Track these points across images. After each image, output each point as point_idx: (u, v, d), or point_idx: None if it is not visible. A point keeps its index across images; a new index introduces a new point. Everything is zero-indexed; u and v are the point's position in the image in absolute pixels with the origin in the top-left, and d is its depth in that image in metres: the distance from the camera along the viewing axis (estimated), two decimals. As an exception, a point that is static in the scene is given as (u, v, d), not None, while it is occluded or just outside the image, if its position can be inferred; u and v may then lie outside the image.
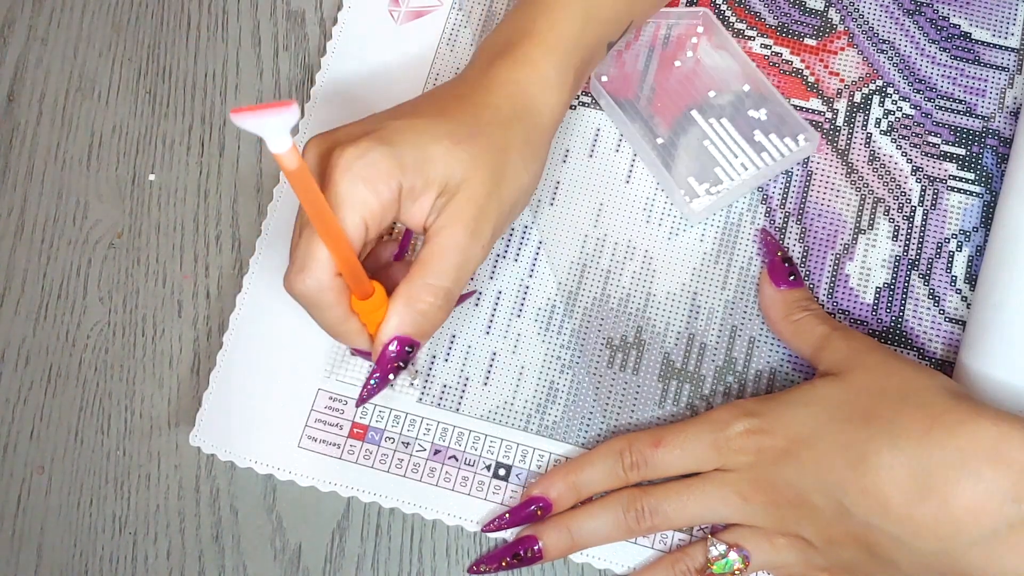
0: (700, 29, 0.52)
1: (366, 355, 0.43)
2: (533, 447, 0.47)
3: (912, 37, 0.52)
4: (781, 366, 0.47)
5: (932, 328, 0.47)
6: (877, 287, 0.48)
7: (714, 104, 0.50)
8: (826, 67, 0.52)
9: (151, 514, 0.47)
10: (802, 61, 0.52)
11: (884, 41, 0.52)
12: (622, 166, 0.51)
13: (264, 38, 0.55)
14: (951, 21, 0.52)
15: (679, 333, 0.48)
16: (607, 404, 0.47)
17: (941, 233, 0.49)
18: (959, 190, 0.49)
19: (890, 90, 0.51)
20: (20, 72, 0.55)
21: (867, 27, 0.52)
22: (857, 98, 0.51)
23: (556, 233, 0.50)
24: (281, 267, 0.50)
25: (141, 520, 0.47)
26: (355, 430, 0.47)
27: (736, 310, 0.48)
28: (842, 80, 0.51)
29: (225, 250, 0.51)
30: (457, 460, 0.47)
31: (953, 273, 0.48)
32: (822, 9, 0.53)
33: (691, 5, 0.53)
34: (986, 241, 0.47)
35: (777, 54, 0.52)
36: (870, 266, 0.48)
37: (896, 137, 0.50)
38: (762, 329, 0.48)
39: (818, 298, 0.48)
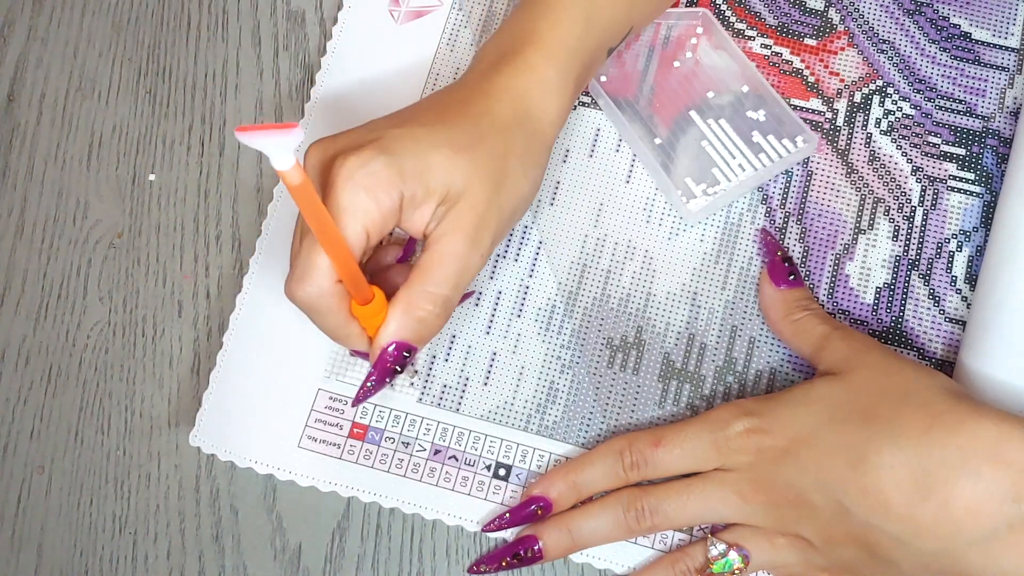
0: (699, 30, 0.52)
1: (365, 356, 0.43)
2: (533, 447, 0.47)
3: (912, 37, 0.52)
4: (781, 366, 0.47)
5: (932, 328, 0.47)
6: (877, 287, 0.48)
7: (713, 105, 0.50)
8: (826, 67, 0.52)
9: (151, 514, 0.47)
10: (802, 61, 0.52)
11: (884, 41, 0.52)
12: (622, 166, 0.51)
13: (264, 38, 0.55)
14: (951, 21, 0.52)
15: (679, 333, 0.48)
16: (607, 404, 0.47)
17: (941, 233, 0.49)
18: (959, 190, 0.49)
19: (890, 90, 0.51)
20: (20, 72, 0.55)
21: (867, 27, 0.52)
22: (857, 98, 0.51)
23: (556, 233, 0.50)
24: (281, 267, 0.50)
25: (141, 520, 0.47)
26: (355, 430, 0.47)
27: (736, 310, 0.48)
28: (842, 80, 0.51)
29: (225, 250, 0.51)
30: (457, 460, 0.47)
31: (953, 273, 0.48)
32: (822, 9, 0.53)
33: (691, 5, 0.53)
34: (986, 241, 0.47)
35: (777, 54, 0.52)
36: (870, 266, 0.48)
37: (896, 137, 0.50)
38: (762, 329, 0.48)
39: (818, 298, 0.48)
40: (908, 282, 0.48)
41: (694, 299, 0.48)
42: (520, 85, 0.43)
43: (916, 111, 0.51)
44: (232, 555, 0.47)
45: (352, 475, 0.47)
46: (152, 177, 0.53)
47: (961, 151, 0.50)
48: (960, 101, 0.51)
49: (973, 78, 0.51)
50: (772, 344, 0.48)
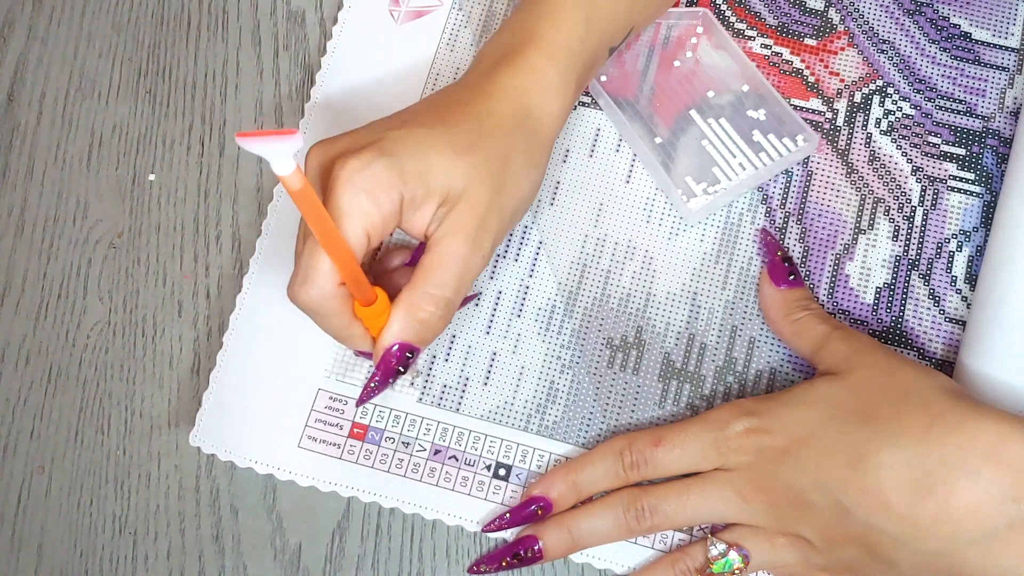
0: (700, 29, 0.52)
1: (369, 356, 0.43)
2: (533, 447, 0.47)
3: (912, 37, 0.52)
4: (781, 366, 0.47)
5: (932, 328, 0.47)
6: (877, 287, 0.48)
7: (713, 104, 0.50)
8: (826, 67, 0.52)
9: (151, 514, 0.47)
10: (802, 61, 0.52)
11: (884, 41, 0.52)
12: (622, 166, 0.51)
13: (264, 38, 0.55)
14: (951, 21, 0.52)
15: (679, 333, 0.48)
16: (607, 404, 0.47)
17: (941, 233, 0.49)
18: (959, 190, 0.49)
19: (890, 90, 0.51)
20: (20, 72, 0.55)
21: (867, 27, 0.52)
22: (857, 98, 0.51)
23: (556, 233, 0.50)
24: (282, 267, 0.50)
25: (141, 520, 0.47)
26: (355, 430, 0.47)
27: (736, 310, 0.48)
28: (842, 80, 0.51)
29: (225, 250, 0.51)
30: (457, 460, 0.47)
31: (953, 273, 0.48)
32: (822, 9, 0.53)
33: (691, 5, 0.53)
34: (986, 241, 0.47)
35: (777, 54, 0.52)
36: (870, 266, 0.48)
37: (896, 137, 0.50)
38: (762, 329, 0.48)
39: (818, 298, 0.48)
40: (908, 282, 0.48)
41: (694, 299, 0.48)
42: (521, 85, 0.43)
43: (916, 111, 0.51)
44: (232, 555, 0.47)
45: (352, 475, 0.47)
46: (152, 177, 0.53)
47: (961, 151, 0.50)
48: (960, 101, 0.51)
49: (973, 78, 0.51)
50: (772, 344, 0.48)
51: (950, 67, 0.51)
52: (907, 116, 0.50)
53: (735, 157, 0.49)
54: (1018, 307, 0.43)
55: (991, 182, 0.49)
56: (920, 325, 0.47)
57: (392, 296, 0.41)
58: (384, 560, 0.46)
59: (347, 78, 0.53)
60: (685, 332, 0.48)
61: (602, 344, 0.48)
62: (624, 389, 0.47)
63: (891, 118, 0.50)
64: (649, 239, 0.50)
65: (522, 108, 0.43)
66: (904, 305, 0.48)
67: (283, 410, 0.48)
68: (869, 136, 0.50)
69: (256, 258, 0.50)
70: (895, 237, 0.49)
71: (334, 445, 0.47)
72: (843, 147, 0.50)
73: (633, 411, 0.47)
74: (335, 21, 0.55)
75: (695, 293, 0.49)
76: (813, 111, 0.51)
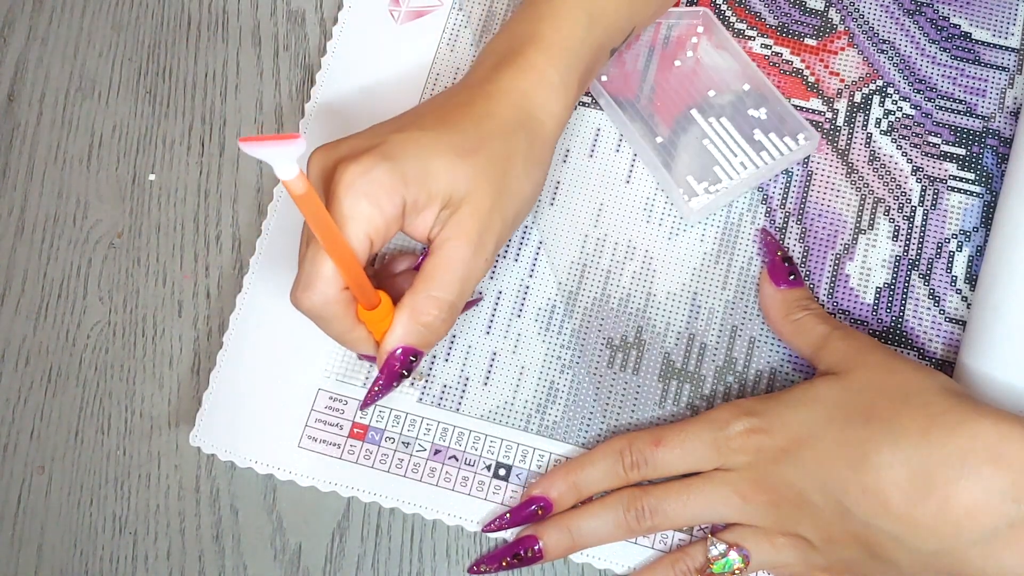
0: (700, 29, 0.52)
1: (373, 359, 0.43)
2: (533, 447, 0.47)
3: (912, 37, 0.52)
4: (781, 366, 0.47)
5: (932, 328, 0.47)
6: (877, 287, 0.48)
7: (714, 103, 0.50)
8: (826, 67, 0.52)
9: (151, 514, 0.47)
10: (802, 61, 0.52)
11: (884, 41, 0.52)
12: (622, 166, 0.51)
13: (264, 38, 0.55)
14: (951, 21, 0.52)
15: (679, 333, 0.48)
16: (607, 404, 0.47)
17: (941, 233, 0.49)
18: (959, 190, 0.49)
19: (890, 90, 0.51)
20: (20, 72, 0.55)
21: (867, 27, 0.52)
22: (857, 98, 0.51)
23: (556, 233, 0.50)
24: (281, 267, 0.50)
25: (141, 520, 0.47)
26: (355, 430, 0.47)
27: (736, 310, 0.48)
28: (842, 80, 0.51)
29: (225, 250, 0.51)
30: (457, 460, 0.47)
31: (953, 273, 0.48)
32: (822, 9, 0.53)
33: (691, 5, 0.53)
34: (986, 241, 0.47)
35: (777, 54, 0.52)
36: (870, 266, 0.48)
37: (896, 137, 0.50)
38: (762, 329, 0.48)
39: (818, 298, 0.48)
40: (908, 282, 0.48)
41: (694, 299, 0.48)
42: (522, 86, 0.43)
43: (916, 111, 0.51)
44: (232, 555, 0.47)
45: (352, 475, 0.47)
46: (152, 177, 0.53)
47: (961, 151, 0.50)
48: (960, 101, 0.51)
49: (973, 78, 0.51)
50: (772, 344, 0.48)
51: (950, 67, 0.51)
52: (907, 116, 0.50)
53: (736, 156, 0.49)
54: (1018, 307, 0.43)
55: (991, 182, 0.49)
56: (920, 325, 0.47)
57: (396, 300, 0.41)
58: (384, 560, 0.46)
59: (347, 78, 0.53)
60: (685, 332, 0.48)
61: (602, 344, 0.48)
62: (624, 389, 0.47)
63: (891, 118, 0.50)
64: (649, 239, 0.49)
65: (523, 109, 0.43)
66: (904, 305, 0.48)
67: (283, 410, 0.48)
68: (869, 136, 0.50)
69: (256, 258, 0.50)
70: (895, 237, 0.49)
71: (334, 445, 0.47)
72: (843, 147, 0.50)
73: (633, 411, 0.47)
74: (335, 21, 0.55)
75: (695, 293, 0.49)
76: (813, 111, 0.51)
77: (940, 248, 0.48)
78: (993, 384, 0.43)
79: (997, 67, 0.51)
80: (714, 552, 0.43)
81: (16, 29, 0.56)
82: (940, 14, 0.52)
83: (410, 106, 0.51)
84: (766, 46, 0.52)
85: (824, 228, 0.49)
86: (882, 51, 0.52)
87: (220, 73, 0.54)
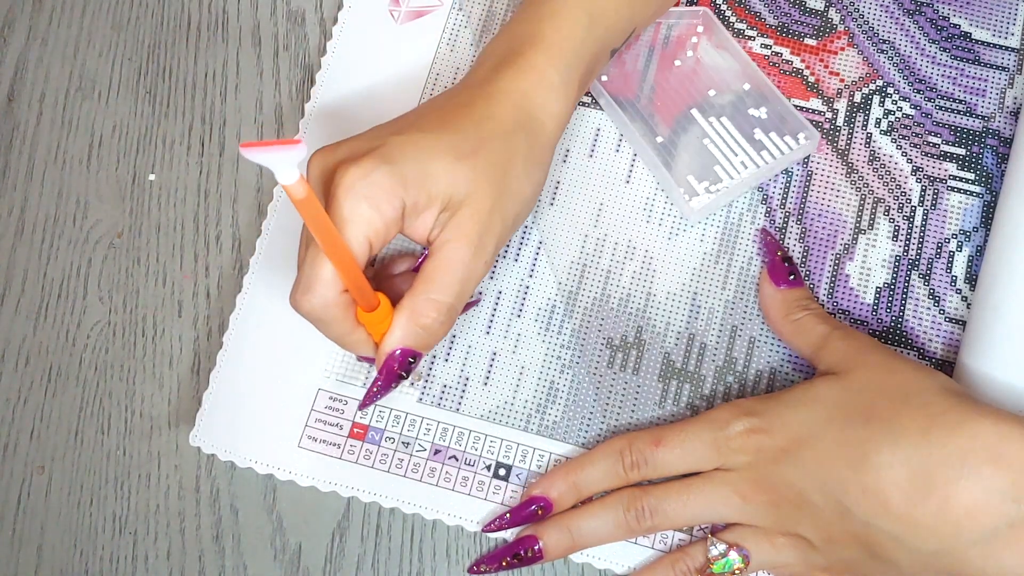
0: (700, 28, 0.52)
1: (372, 361, 0.43)
2: (533, 447, 0.47)
3: (912, 37, 0.52)
4: (781, 366, 0.47)
5: (932, 328, 0.47)
6: (877, 287, 0.48)
7: (714, 103, 0.50)
8: (826, 67, 0.52)
9: (151, 514, 0.47)
10: (802, 61, 0.52)
11: (884, 41, 0.52)
12: (622, 166, 0.51)
13: (264, 38, 0.55)
14: (951, 21, 0.52)
15: (679, 333, 0.48)
16: (607, 404, 0.47)
17: (941, 233, 0.49)
18: (959, 190, 0.49)
19: (890, 90, 0.51)
20: (20, 72, 0.55)
21: (867, 27, 0.52)
22: (857, 98, 0.51)
23: (556, 233, 0.50)
24: (281, 267, 0.50)
25: (141, 520, 0.47)
26: (355, 430, 0.47)
27: (736, 310, 0.48)
28: (842, 80, 0.51)
29: (225, 250, 0.51)
30: (457, 460, 0.47)
31: (953, 273, 0.48)
32: (822, 9, 0.53)
33: (691, 4, 0.53)
34: (986, 241, 0.47)
35: (777, 54, 0.52)
36: (870, 266, 0.48)
37: (896, 137, 0.50)
38: (762, 329, 0.48)
39: (818, 298, 0.48)
40: (908, 282, 0.48)
41: (694, 299, 0.48)
42: (522, 87, 0.43)
43: (916, 111, 0.50)
44: (232, 555, 0.47)
45: (352, 475, 0.47)
46: (152, 177, 0.53)
47: (961, 151, 0.50)
48: (960, 101, 0.51)
49: (973, 78, 0.51)
50: (772, 344, 0.48)
51: (950, 67, 0.51)
52: (907, 116, 0.50)
53: (737, 155, 0.49)
54: (1018, 307, 0.43)
55: (991, 182, 0.49)
56: (920, 325, 0.47)
57: (395, 301, 0.41)
58: (384, 560, 0.46)
59: (347, 78, 0.53)
60: (685, 332, 0.48)
61: (602, 344, 0.48)
62: (624, 389, 0.47)
63: (891, 118, 0.50)
64: (649, 239, 0.49)
65: (524, 110, 0.43)
66: (904, 305, 0.48)
67: (283, 410, 0.48)
68: (869, 136, 0.50)
69: (256, 258, 0.50)
70: (895, 237, 0.49)
71: (334, 445, 0.47)
72: (843, 147, 0.50)
73: (633, 411, 0.47)
74: (335, 21, 0.55)
75: (695, 293, 0.49)
76: (813, 111, 0.51)
77: (940, 248, 0.48)
78: (993, 384, 0.43)
79: (997, 67, 0.51)
80: (714, 552, 0.43)
81: (16, 29, 0.56)
82: (940, 14, 0.52)
83: (410, 106, 0.51)
84: (766, 46, 0.52)
85: (824, 228, 0.49)
86: (882, 51, 0.52)
87: (220, 73, 0.54)
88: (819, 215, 0.49)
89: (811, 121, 0.51)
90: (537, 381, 0.48)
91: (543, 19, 0.44)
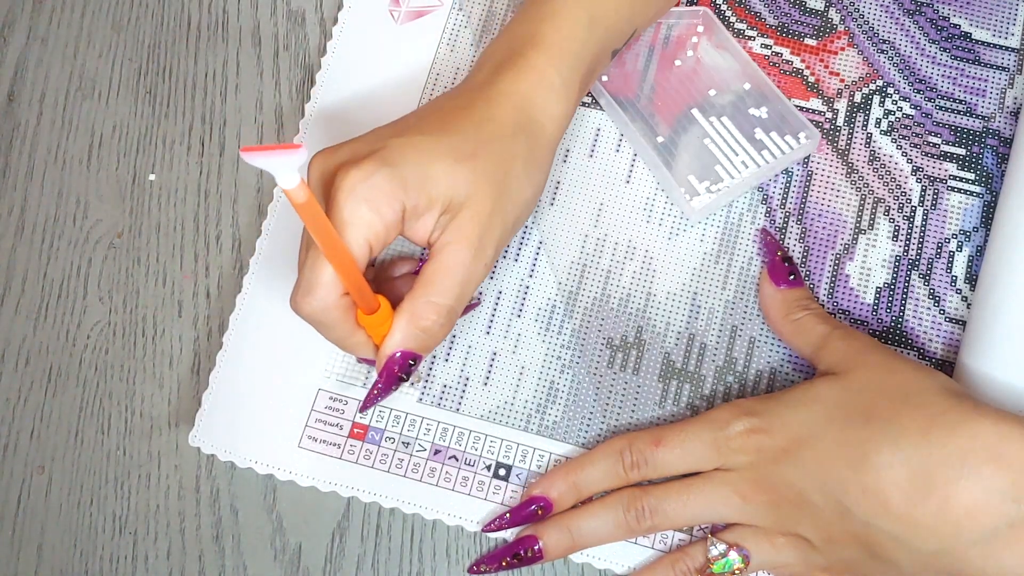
0: (700, 28, 0.52)
1: (372, 363, 0.43)
2: (533, 447, 0.47)
3: (912, 37, 0.52)
4: (781, 366, 0.47)
5: (932, 328, 0.47)
6: (877, 287, 0.48)
7: (715, 103, 0.50)
8: (826, 67, 0.52)
9: (151, 514, 0.47)
10: (802, 61, 0.52)
11: (884, 41, 0.52)
12: (622, 166, 0.51)
13: (264, 38, 0.55)
14: (951, 21, 0.52)
15: (679, 333, 0.48)
16: (607, 404, 0.47)
17: (941, 233, 0.49)
18: (959, 190, 0.49)
19: (890, 90, 0.51)
20: (20, 72, 0.55)
21: (867, 27, 0.52)
22: (857, 98, 0.51)
23: (556, 233, 0.50)
24: (281, 267, 0.50)
25: (141, 520, 0.47)
26: (355, 430, 0.47)
27: (736, 310, 0.48)
28: (842, 80, 0.51)
29: (225, 250, 0.51)
30: (457, 460, 0.47)
31: (953, 273, 0.48)
32: (822, 9, 0.53)
33: (691, 4, 0.53)
34: (986, 241, 0.47)
35: (777, 54, 0.52)
36: (870, 266, 0.48)
37: (896, 137, 0.50)
38: (762, 329, 0.48)
39: (818, 298, 0.48)
40: (908, 282, 0.48)
41: (694, 299, 0.48)
42: (523, 89, 0.43)
43: (916, 111, 0.50)
44: (232, 555, 0.47)
45: (352, 475, 0.47)
46: (152, 177, 0.53)
47: (961, 151, 0.50)
48: (960, 101, 0.51)
49: (973, 78, 0.51)
50: (772, 344, 0.48)
51: (950, 67, 0.51)
52: (907, 116, 0.50)
53: (737, 155, 0.49)
54: (1018, 307, 0.43)
55: (991, 182, 0.49)
56: (920, 325, 0.47)
57: (395, 303, 0.41)
58: (384, 560, 0.46)
59: (347, 78, 0.53)
60: (685, 332, 0.48)
61: (602, 344, 0.48)
62: (624, 389, 0.47)
63: (891, 118, 0.50)
64: (649, 239, 0.49)
65: (524, 112, 0.43)
66: (904, 305, 0.48)
67: (283, 410, 0.48)
68: (869, 136, 0.50)
69: (256, 258, 0.50)
70: (895, 237, 0.49)
71: (334, 445, 0.47)
72: (843, 147, 0.50)
73: (633, 411, 0.47)
74: (335, 21, 0.55)
75: (695, 293, 0.49)
76: (813, 111, 0.51)
77: (940, 248, 0.48)
78: (993, 384, 0.43)
79: (997, 67, 0.51)
80: (714, 552, 0.43)
81: (16, 29, 0.56)
82: (940, 14, 0.52)
83: (410, 106, 0.51)
84: (766, 46, 0.52)
85: (824, 228, 0.49)
86: (882, 51, 0.52)
87: (220, 73, 0.54)
88: (819, 215, 0.49)
89: (811, 121, 0.51)
90: (537, 381, 0.48)
91: (543, 20, 0.44)
